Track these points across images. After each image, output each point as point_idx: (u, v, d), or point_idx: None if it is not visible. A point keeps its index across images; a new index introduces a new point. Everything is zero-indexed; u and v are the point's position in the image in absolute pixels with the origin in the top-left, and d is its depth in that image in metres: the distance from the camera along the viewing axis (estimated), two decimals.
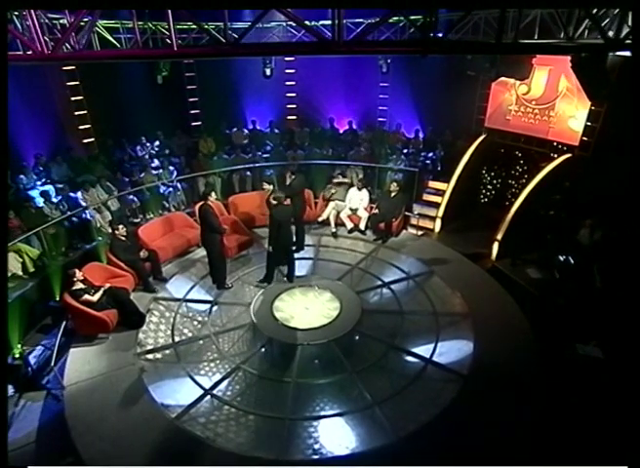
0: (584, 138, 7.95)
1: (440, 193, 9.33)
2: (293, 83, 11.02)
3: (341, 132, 10.88)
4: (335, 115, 11.00)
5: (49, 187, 7.74)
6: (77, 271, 5.67)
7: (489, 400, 4.87)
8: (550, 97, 8.36)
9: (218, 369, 5.47)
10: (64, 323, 5.77)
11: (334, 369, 5.40)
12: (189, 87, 10.32)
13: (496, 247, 8.02)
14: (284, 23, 8.11)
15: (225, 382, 5.22)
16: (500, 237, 7.98)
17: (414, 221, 8.76)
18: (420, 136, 10.46)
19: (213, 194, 6.58)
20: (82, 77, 8.88)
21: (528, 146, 8.95)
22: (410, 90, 10.15)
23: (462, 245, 8.28)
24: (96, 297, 5.62)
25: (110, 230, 7.88)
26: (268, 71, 7.20)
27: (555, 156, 8.54)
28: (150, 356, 5.58)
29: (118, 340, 5.71)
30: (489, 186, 10.04)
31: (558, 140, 8.41)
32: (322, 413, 4.87)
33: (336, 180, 8.53)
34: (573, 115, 8.08)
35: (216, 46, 3.76)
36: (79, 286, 5.62)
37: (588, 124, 7.85)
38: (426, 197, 9.51)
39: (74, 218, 7.49)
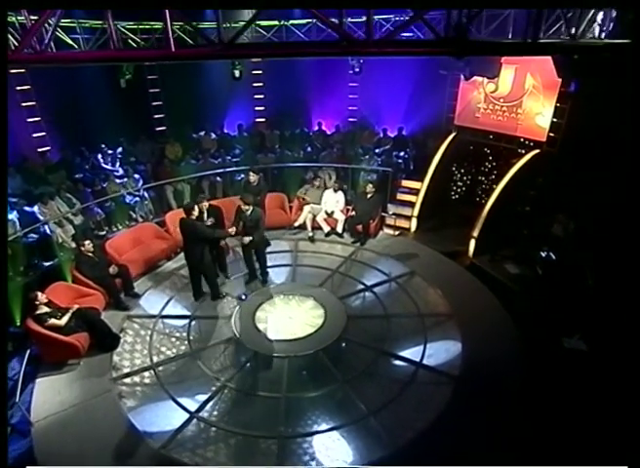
0: (551, 134, 8.16)
1: (414, 192, 9.35)
2: (261, 84, 10.74)
3: (311, 133, 10.70)
4: (304, 116, 10.81)
5: None
6: (39, 294, 5.20)
7: (482, 400, 4.85)
8: (517, 94, 8.53)
9: (202, 388, 5.16)
10: (28, 351, 5.30)
11: (323, 379, 5.24)
12: (152, 90, 9.82)
13: (472, 244, 8.10)
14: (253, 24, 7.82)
15: (212, 403, 4.94)
16: (476, 234, 8.07)
17: (390, 221, 8.73)
18: (389, 134, 10.44)
19: (196, 207, 6.12)
20: (33, 81, 8.24)
21: (497, 143, 9.13)
22: (380, 89, 10.10)
23: (439, 243, 8.32)
24: (63, 321, 5.18)
25: (74, 245, 7.39)
26: (237, 73, 6.88)
27: (523, 152, 8.76)
28: (128, 380, 5.21)
29: (91, 365, 5.30)
30: (459, 183, 10.15)
31: (526, 137, 8.59)
32: (316, 428, 4.69)
33: (316, 183, 8.31)
34: (539, 112, 8.27)
35: (221, 47, 3.40)
36: (43, 309, 5.15)
37: (554, 120, 8.07)
38: (400, 196, 9.50)
39: (33, 234, 6.93)
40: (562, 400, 4.74)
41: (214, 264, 6.54)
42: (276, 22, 7.71)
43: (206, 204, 6.42)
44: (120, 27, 6.01)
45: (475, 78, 8.74)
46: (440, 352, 5.71)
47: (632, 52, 2.18)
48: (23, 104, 8.31)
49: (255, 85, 10.70)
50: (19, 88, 8.18)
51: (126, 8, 4.81)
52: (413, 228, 9.00)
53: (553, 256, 6.06)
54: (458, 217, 8.96)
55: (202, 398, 5.01)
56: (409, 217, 9.04)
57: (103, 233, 7.96)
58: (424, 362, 5.48)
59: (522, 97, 8.48)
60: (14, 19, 4.35)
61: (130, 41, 5.91)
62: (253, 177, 7.46)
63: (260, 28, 8.08)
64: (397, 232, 8.73)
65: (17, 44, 2.99)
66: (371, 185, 8.08)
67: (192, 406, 4.88)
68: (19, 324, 6.01)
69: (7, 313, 6.06)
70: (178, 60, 3.52)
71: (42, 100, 8.51)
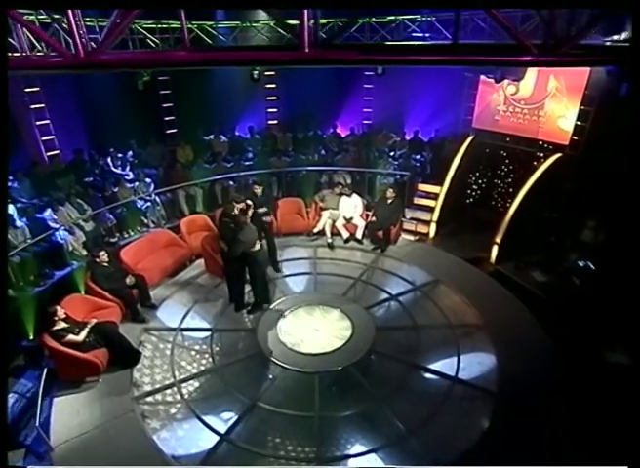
0: (574, 138, 7.99)
1: (432, 196, 9.14)
2: (273, 86, 10.46)
3: (325, 136, 10.44)
4: (318, 119, 10.53)
5: (9, 208, 6.77)
6: (59, 308, 4.91)
7: (524, 418, 4.61)
8: (539, 96, 8.34)
9: (229, 407, 4.89)
10: (45, 367, 5.01)
11: (356, 396, 5.00)
12: (163, 91, 9.52)
13: (495, 250, 7.89)
14: (272, 23, 7.57)
15: (242, 423, 4.67)
16: (498, 240, 7.87)
17: (410, 227, 8.51)
18: (405, 137, 10.21)
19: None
20: (42, 83, 7.92)
21: (517, 147, 8.93)
22: (395, 91, 9.85)
23: (460, 249, 8.09)
24: (81, 337, 4.89)
25: (85, 252, 7.12)
26: (256, 74, 6.59)
27: (542, 155, 8.58)
28: (150, 399, 4.93)
29: (110, 383, 5.00)
30: (474, 186, 9.97)
31: (548, 140, 8.41)
32: (354, 450, 4.45)
33: (337, 190, 8.02)
34: (563, 115, 8.09)
35: (377, 48, 2.69)
36: (61, 325, 4.86)
37: (578, 123, 7.89)
38: (417, 200, 9.29)
39: (43, 242, 6.63)
40: (609, 418, 4.52)
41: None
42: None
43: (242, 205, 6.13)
44: (138, 27, 5.75)
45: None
46: (473, 365, 5.49)
47: (632, 53, 1.93)
48: (32, 107, 7.99)
49: (267, 86, 10.41)
50: (28, 90, 7.86)
51: (131, 8, 4.51)
52: (431, 234, 8.78)
53: (592, 266, 5.83)
54: (473, 222, 8.78)
55: (228, 416, 4.77)
56: (427, 222, 8.83)
57: (115, 239, 7.67)
58: (459, 376, 5.26)
59: (544, 99, 8.29)
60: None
61: (149, 41, 5.63)
62: (258, 189, 6.92)
63: (279, 28, 7.81)
64: (415, 238, 8.51)
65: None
66: (391, 190, 7.82)
67: (221, 426, 4.62)
68: (32, 337, 5.74)
69: (19, 325, 5.80)
70: (312, 64, 2.89)
71: (51, 102, 8.19)
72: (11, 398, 5.28)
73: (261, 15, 7.78)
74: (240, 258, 5.93)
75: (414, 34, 7.31)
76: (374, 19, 6.80)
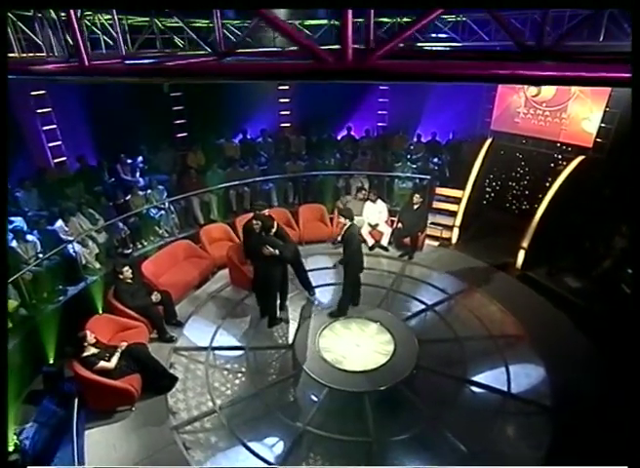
0: (598, 140, 7.88)
1: (451, 200, 8.93)
2: (286, 87, 10.11)
3: (339, 139, 10.14)
4: (332, 121, 10.23)
5: (19, 220, 6.29)
6: (88, 333, 4.49)
7: (589, 435, 4.38)
8: (562, 98, 8.22)
9: (276, 433, 4.55)
10: (69, 395, 4.61)
11: (408, 416, 4.73)
12: (174, 94, 9.08)
13: (522, 255, 7.71)
14: (296, 22, 7.23)
15: (294, 452, 4.34)
16: (526, 245, 7.69)
17: (434, 233, 8.28)
18: (422, 140, 9.99)
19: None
20: (48, 86, 7.41)
21: (537, 149, 8.80)
22: (411, 92, 9.63)
23: (485, 254, 7.91)
24: (113, 363, 4.48)
25: (98, 265, 6.68)
26: None
27: (560, 157, 8.47)
28: (190, 427, 4.55)
29: (144, 412, 4.61)
30: (492, 190, 9.82)
31: (570, 142, 8.30)
32: None
33: (360, 195, 7.76)
34: (587, 117, 7.97)
35: None
36: (91, 351, 4.45)
37: (602, 125, 7.79)
38: (437, 205, 9.06)
39: (55, 256, 6.16)
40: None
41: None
42: (325, 21, 7.12)
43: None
44: (161, 25, 5.36)
45: None
46: (520, 377, 5.28)
47: (632, 55, 1.69)
48: (39, 111, 7.47)
49: (280, 88, 10.06)
50: (34, 93, 7.33)
51: (134, 9, 4.17)
52: (454, 239, 8.57)
53: None
54: (495, 226, 8.60)
55: (274, 442, 4.45)
56: (449, 227, 8.61)
57: (129, 251, 7.22)
58: (511, 390, 5.03)
59: (567, 101, 8.18)
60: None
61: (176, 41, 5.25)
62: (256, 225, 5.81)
63: (302, 27, 7.47)
64: (437, 243, 8.30)
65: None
66: (418, 195, 7.59)
67: (269, 455, 4.29)
68: (51, 361, 5.29)
69: (37, 348, 5.35)
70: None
71: (57, 106, 7.68)
72: (31, 428, 4.82)
73: (281, 14, 7.45)
74: (275, 269, 5.63)
75: (443, 36, 7.05)
76: (405, 19, 6.53)
